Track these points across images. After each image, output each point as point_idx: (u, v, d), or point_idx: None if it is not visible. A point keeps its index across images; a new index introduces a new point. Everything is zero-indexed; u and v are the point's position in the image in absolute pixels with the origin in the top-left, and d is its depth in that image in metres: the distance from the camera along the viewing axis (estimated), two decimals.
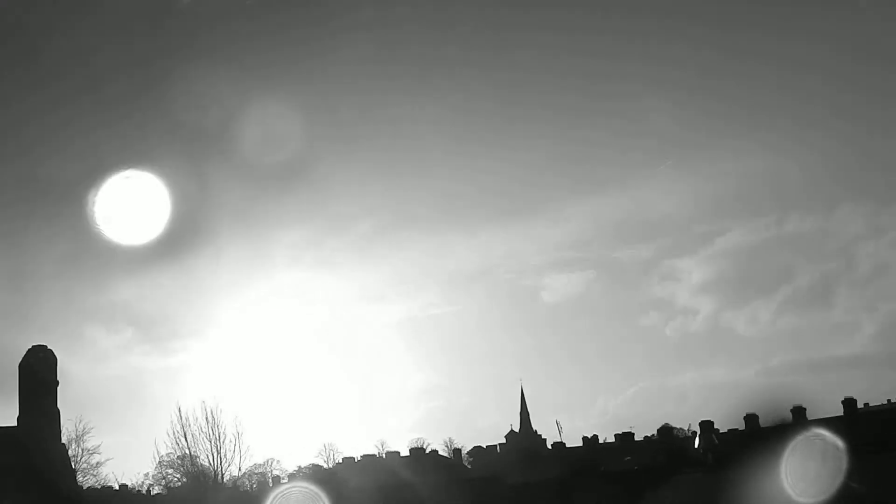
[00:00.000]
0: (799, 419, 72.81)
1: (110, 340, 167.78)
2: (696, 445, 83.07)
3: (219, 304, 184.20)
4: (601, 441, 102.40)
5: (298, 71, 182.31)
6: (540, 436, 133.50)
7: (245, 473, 79.89)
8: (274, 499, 64.93)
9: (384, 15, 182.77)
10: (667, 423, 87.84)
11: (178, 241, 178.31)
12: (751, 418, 79.24)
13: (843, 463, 53.60)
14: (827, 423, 66.61)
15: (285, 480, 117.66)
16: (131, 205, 78.95)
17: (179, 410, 70.44)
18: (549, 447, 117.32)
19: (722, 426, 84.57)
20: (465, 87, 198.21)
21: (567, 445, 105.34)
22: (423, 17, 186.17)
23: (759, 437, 70.23)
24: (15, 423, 57.57)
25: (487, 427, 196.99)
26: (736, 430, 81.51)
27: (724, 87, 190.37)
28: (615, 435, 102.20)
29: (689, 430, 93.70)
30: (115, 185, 78.33)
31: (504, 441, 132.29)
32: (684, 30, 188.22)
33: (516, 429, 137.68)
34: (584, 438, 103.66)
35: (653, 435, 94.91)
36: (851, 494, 51.42)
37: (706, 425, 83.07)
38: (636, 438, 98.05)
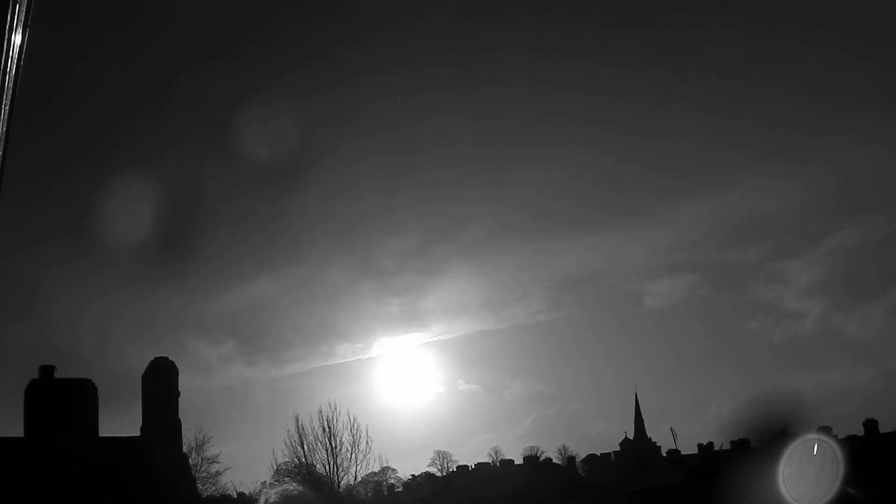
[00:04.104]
0: None
1: (212, 351, 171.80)
2: (814, 453, 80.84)
3: (329, 312, 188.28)
4: (717, 448, 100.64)
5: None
6: (654, 443, 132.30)
7: (360, 481, 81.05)
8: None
9: None
10: (783, 429, 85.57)
11: (279, 254, 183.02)
12: (870, 424, 77.12)
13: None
14: None
15: (399, 489, 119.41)
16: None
17: (297, 420, 71.92)
18: (664, 454, 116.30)
19: (840, 432, 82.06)
20: (573, 89, 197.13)
21: (682, 453, 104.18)
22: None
23: (880, 445, 68.49)
24: (139, 434, 59.73)
25: (599, 434, 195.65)
26: (855, 436, 78.95)
27: (835, 82, 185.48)
28: (731, 442, 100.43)
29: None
30: None
31: (618, 449, 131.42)
32: (795, 25, 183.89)
33: (630, 436, 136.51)
34: (700, 445, 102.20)
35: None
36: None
37: (824, 432, 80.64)
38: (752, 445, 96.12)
